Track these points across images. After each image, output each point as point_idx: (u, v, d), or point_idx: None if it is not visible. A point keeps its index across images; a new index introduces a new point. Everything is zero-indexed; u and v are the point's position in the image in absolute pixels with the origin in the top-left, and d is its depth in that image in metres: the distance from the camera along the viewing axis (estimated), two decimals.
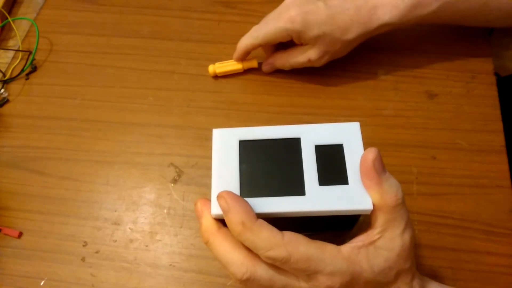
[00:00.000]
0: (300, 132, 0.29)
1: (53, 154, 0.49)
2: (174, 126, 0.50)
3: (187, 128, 0.50)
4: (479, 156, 0.46)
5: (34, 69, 0.55)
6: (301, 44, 0.47)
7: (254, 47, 0.49)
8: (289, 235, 0.26)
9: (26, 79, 0.55)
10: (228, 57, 0.52)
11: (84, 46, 0.57)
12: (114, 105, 0.52)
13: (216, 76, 0.53)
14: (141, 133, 0.50)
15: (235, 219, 0.26)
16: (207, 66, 0.52)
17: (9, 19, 0.58)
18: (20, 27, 0.59)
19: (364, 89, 0.51)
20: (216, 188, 0.28)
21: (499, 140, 0.46)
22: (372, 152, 0.26)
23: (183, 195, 0.46)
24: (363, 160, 0.27)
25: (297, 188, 0.27)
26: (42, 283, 0.43)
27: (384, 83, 0.51)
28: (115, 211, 0.46)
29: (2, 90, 0.54)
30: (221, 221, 0.28)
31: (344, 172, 0.27)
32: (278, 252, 0.25)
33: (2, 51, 0.57)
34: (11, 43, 0.58)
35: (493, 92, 0.49)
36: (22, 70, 0.55)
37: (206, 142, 0.49)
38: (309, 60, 0.48)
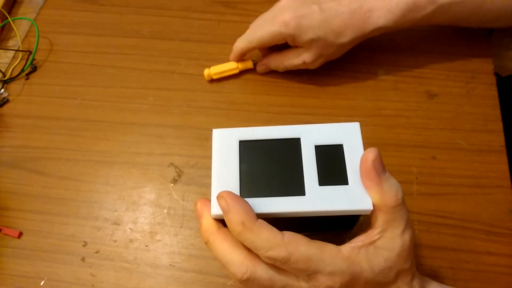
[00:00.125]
0: (300, 132, 0.29)
1: (53, 154, 0.49)
2: (174, 126, 0.50)
3: (187, 128, 0.50)
4: (479, 156, 0.46)
5: (34, 69, 0.55)
6: (296, 47, 0.48)
7: (249, 50, 0.49)
8: (289, 235, 0.26)
9: (26, 79, 0.55)
10: (227, 57, 0.52)
11: (84, 46, 0.57)
12: (114, 105, 0.52)
13: (212, 80, 0.52)
14: (141, 133, 0.50)
15: (235, 219, 0.26)
16: (207, 66, 0.52)
17: (9, 19, 0.58)
18: (20, 27, 0.59)
19: (364, 89, 0.51)
20: (216, 188, 0.28)
21: (499, 140, 0.46)
22: (372, 152, 0.26)
23: (183, 195, 0.46)
24: (363, 160, 0.27)
25: (297, 188, 0.27)
26: (42, 283, 0.43)
27: (384, 83, 0.51)
28: (115, 211, 0.46)
29: (2, 90, 0.54)
30: (221, 221, 0.28)
31: (344, 172, 0.27)
32: (278, 252, 0.25)
33: (2, 51, 0.57)
34: (11, 43, 0.58)
35: (493, 92, 0.49)
36: (22, 70, 0.55)
37: (206, 142, 0.49)
38: (304, 63, 0.48)
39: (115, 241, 0.44)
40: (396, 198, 0.26)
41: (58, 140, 0.50)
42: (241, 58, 0.51)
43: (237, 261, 0.27)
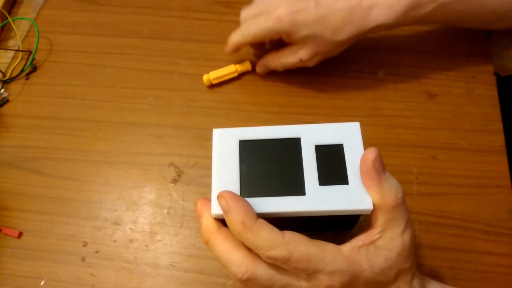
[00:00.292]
0: (300, 132, 0.29)
1: (53, 154, 0.49)
2: (174, 126, 0.50)
3: (187, 128, 0.50)
4: (479, 156, 0.46)
5: (34, 69, 0.55)
6: (292, 44, 0.47)
7: (244, 44, 0.48)
8: (289, 235, 0.26)
9: (26, 79, 0.55)
10: (227, 57, 0.52)
11: (84, 46, 0.57)
12: (114, 105, 0.52)
13: (211, 86, 0.52)
14: (141, 133, 0.50)
15: (235, 219, 0.26)
16: (207, 66, 0.52)
17: (9, 19, 0.58)
18: (20, 27, 0.59)
19: (364, 89, 0.51)
20: (216, 188, 0.28)
21: (499, 140, 0.46)
22: (372, 152, 0.26)
23: (183, 195, 0.46)
24: (363, 160, 0.27)
25: (297, 188, 0.27)
26: (42, 283, 0.43)
27: (384, 83, 0.51)
28: (115, 211, 0.46)
29: (2, 90, 0.54)
30: (221, 221, 0.28)
31: (344, 172, 0.27)
32: (278, 251, 0.25)
33: (2, 51, 0.57)
34: (11, 43, 0.58)
35: (493, 92, 0.49)
36: (22, 70, 0.55)
37: (206, 142, 0.49)
38: (301, 60, 0.47)
39: (115, 241, 0.44)
40: (396, 197, 0.26)
41: (58, 140, 0.50)
42: (236, 51, 0.50)
43: (237, 261, 0.27)
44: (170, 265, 0.43)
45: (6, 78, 0.54)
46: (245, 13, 0.48)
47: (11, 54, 0.57)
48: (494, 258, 0.41)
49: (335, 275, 0.26)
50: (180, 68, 0.54)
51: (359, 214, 0.28)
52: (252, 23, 0.46)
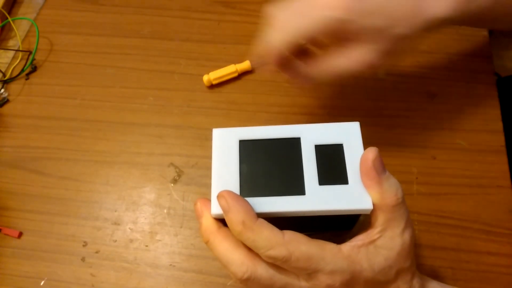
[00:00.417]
0: (300, 132, 0.29)
1: (53, 154, 0.49)
2: (174, 126, 0.50)
3: (187, 128, 0.50)
4: (479, 156, 0.46)
5: (34, 69, 0.55)
6: (339, 44, 0.36)
7: (289, 47, 0.35)
8: (289, 234, 0.26)
9: (26, 79, 0.55)
10: (227, 57, 0.52)
11: (84, 46, 0.57)
12: (114, 105, 0.52)
13: (212, 86, 0.52)
14: (141, 133, 0.50)
15: (235, 218, 0.26)
16: (207, 66, 0.52)
17: (9, 19, 0.58)
18: (20, 27, 0.59)
19: (364, 89, 0.51)
20: (216, 188, 0.28)
21: (499, 140, 0.46)
22: (372, 152, 0.26)
23: (183, 195, 0.46)
24: (363, 160, 0.27)
25: (297, 188, 0.27)
26: (42, 283, 0.43)
27: (384, 83, 0.51)
28: (115, 211, 0.46)
29: (2, 90, 0.54)
30: (221, 221, 0.28)
31: (344, 171, 0.27)
32: (278, 251, 0.25)
33: (2, 51, 0.57)
34: (11, 43, 0.58)
35: (493, 92, 0.49)
36: (22, 70, 0.55)
37: (206, 142, 0.49)
38: (366, 63, 0.35)
39: (115, 241, 0.44)
40: (396, 197, 0.26)
41: (58, 140, 0.50)
42: (281, 61, 0.37)
43: (237, 261, 0.27)
44: (170, 265, 0.43)
45: (6, 78, 0.54)
46: (276, 7, 0.36)
47: (11, 54, 0.57)
48: (494, 258, 0.41)
49: (335, 274, 0.26)
50: (180, 68, 0.54)
51: (358, 214, 0.28)
52: (293, 17, 0.35)
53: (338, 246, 0.27)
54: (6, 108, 0.53)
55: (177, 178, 0.47)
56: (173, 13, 0.59)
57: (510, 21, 0.43)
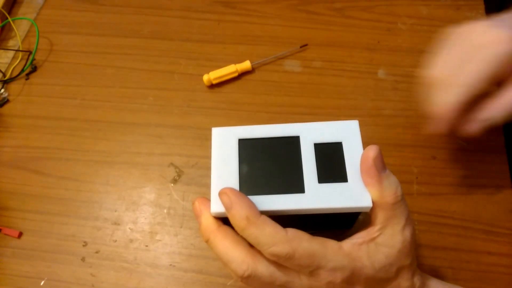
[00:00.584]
0: (299, 131, 0.29)
1: (53, 154, 0.49)
2: (174, 126, 0.50)
3: (187, 128, 0.50)
4: (479, 156, 0.46)
5: (34, 69, 0.55)
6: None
7: (470, 97, 0.33)
8: (292, 232, 0.26)
9: (26, 79, 0.55)
10: (227, 57, 0.52)
11: (84, 46, 0.57)
12: (114, 105, 0.52)
13: (212, 86, 0.52)
14: (141, 133, 0.50)
15: (239, 214, 0.26)
16: (207, 66, 0.52)
17: (9, 19, 0.58)
18: (20, 27, 0.59)
19: (364, 89, 0.51)
20: (215, 187, 0.28)
21: (499, 140, 0.46)
22: (372, 150, 0.26)
23: (183, 195, 0.46)
24: (363, 158, 0.27)
25: (297, 186, 0.27)
26: (42, 283, 0.43)
27: (384, 83, 0.51)
28: (115, 211, 0.46)
29: (2, 90, 0.54)
30: (220, 220, 0.28)
31: (343, 169, 0.27)
32: (282, 247, 0.25)
33: (2, 51, 0.57)
34: (11, 43, 0.58)
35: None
36: (22, 70, 0.55)
37: (206, 142, 0.49)
38: None
39: (115, 241, 0.44)
40: (396, 195, 0.26)
41: (58, 140, 0.50)
42: (457, 116, 0.35)
43: (238, 259, 0.27)
44: (170, 265, 0.43)
45: (6, 78, 0.54)
46: (437, 67, 0.35)
47: (11, 54, 0.57)
48: (494, 258, 0.41)
49: (336, 271, 0.26)
50: (180, 68, 0.54)
51: (358, 212, 0.28)
52: (459, 68, 0.33)
53: (339, 243, 0.27)
54: (6, 108, 0.53)
55: (177, 178, 0.47)
56: (173, 13, 0.59)
57: None
